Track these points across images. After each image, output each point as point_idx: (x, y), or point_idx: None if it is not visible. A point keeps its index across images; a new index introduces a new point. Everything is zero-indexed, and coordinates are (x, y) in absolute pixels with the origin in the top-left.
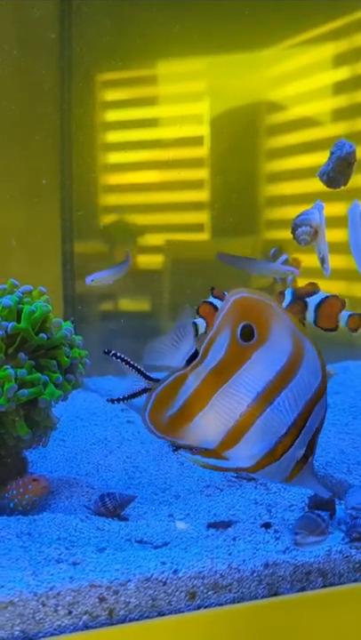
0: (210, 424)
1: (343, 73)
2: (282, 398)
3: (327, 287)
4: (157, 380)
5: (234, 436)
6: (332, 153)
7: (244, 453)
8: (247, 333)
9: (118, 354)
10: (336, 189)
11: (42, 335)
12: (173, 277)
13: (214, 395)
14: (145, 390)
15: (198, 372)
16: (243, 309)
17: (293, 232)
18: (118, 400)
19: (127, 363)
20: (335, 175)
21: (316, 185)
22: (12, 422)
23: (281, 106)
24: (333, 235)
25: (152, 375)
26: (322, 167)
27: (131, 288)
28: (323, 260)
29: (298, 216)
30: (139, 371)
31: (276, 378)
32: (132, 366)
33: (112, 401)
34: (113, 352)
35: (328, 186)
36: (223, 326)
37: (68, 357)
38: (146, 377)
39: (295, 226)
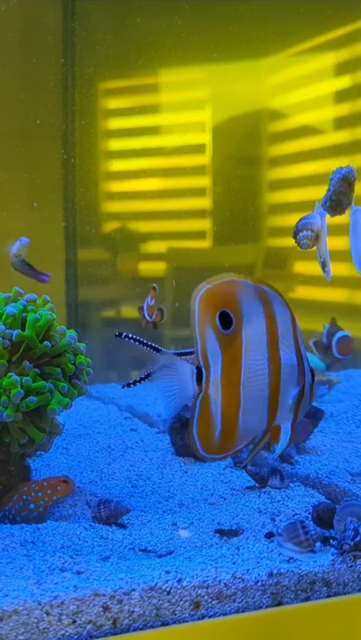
0: (253, 416)
1: (345, 81)
2: (283, 349)
3: (329, 295)
4: (173, 354)
5: (273, 405)
6: (331, 179)
7: (286, 409)
8: (225, 321)
9: (130, 334)
10: (342, 214)
11: (46, 343)
12: (175, 284)
13: (240, 392)
14: (163, 366)
15: (214, 384)
16: (210, 301)
17: (295, 236)
18: (134, 383)
19: (139, 341)
20: (338, 197)
21: (318, 192)
22: (18, 430)
23: (283, 114)
24: (336, 242)
25: (167, 350)
26: (323, 196)
27: (132, 295)
28: (324, 265)
29: (299, 220)
30: (152, 347)
31: (269, 338)
32: (145, 344)
33: (128, 385)
34: (125, 334)
35: (333, 212)
36: (203, 329)
37: (72, 364)
38: (159, 351)
39: (297, 230)
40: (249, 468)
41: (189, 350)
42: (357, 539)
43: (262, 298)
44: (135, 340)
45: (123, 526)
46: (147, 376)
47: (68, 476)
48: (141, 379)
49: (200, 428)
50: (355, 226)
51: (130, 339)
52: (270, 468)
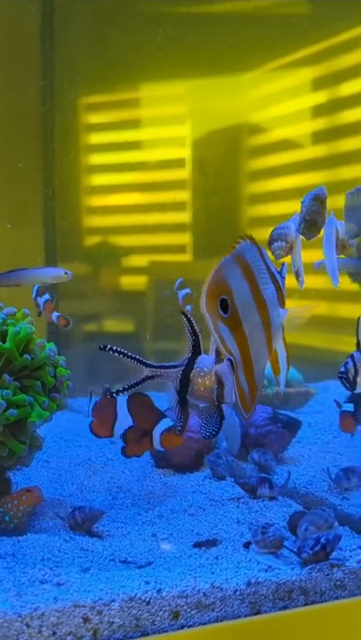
0: (261, 359)
1: (323, 96)
2: (262, 287)
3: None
4: (157, 367)
5: (269, 336)
6: (303, 202)
7: (277, 330)
8: (225, 305)
9: (114, 347)
10: (317, 235)
11: (26, 356)
12: (157, 298)
13: (250, 352)
14: (147, 378)
15: (237, 362)
16: (210, 301)
17: (269, 246)
18: (121, 391)
19: (124, 354)
20: (312, 217)
21: (298, 206)
22: None
23: (262, 128)
24: (316, 255)
25: (152, 363)
26: (298, 219)
27: (114, 309)
28: (297, 274)
29: (274, 230)
30: (137, 360)
31: (251, 289)
32: (130, 357)
33: (116, 393)
34: (109, 346)
35: (309, 233)
36: (218, 329)
37: (52, 377)
38: (145, 365)
39: (271, 240)
40: (238, 479)
41: (175, 364)
42: (317, 548)
43: (238, 259)
44: (120, 352)
45: (99, 536)
46: (135, 384)
47: (37, 486)
48: (132, 385)
49: (240, 398)
50: (328, 236)
51: (114, 352)
52: (258, 477)
